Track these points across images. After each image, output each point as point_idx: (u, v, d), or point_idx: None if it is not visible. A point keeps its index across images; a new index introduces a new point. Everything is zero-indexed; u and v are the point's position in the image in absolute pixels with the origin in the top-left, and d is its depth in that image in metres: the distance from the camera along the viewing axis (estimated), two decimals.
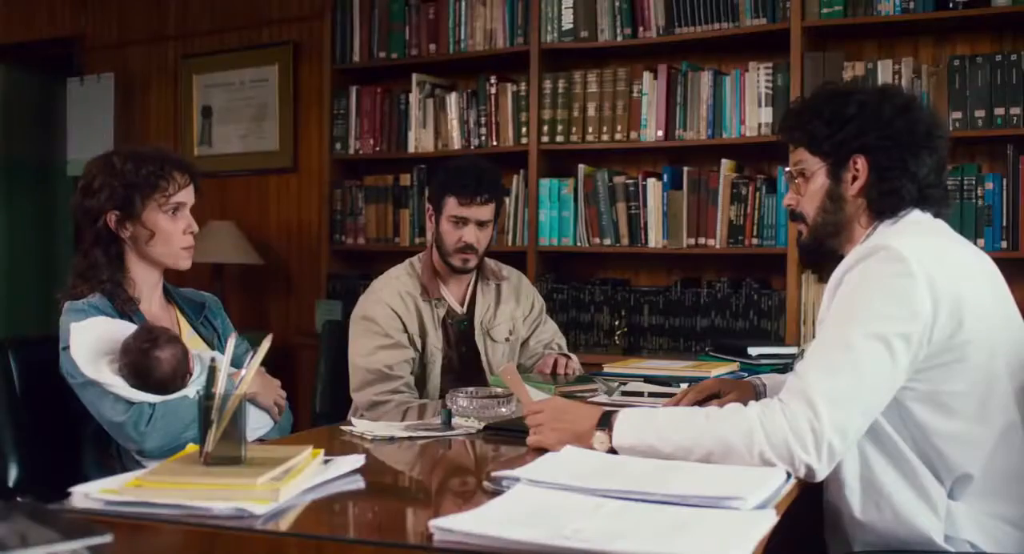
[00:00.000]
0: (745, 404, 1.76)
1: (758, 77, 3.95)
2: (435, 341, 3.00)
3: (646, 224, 4.17)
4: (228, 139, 5.35)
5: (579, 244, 4.30)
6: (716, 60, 4.20)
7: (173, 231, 2.34)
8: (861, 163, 1.93)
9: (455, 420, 2.12)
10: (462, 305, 3.07)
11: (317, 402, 3.22)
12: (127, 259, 2.35)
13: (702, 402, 2.20)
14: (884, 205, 1.93)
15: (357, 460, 1.67)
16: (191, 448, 1.66)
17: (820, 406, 1.66)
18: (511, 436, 2.01)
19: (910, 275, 1.75)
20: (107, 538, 1.07)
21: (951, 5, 3.63)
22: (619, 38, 4.20)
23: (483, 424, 2.08)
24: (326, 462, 1.66)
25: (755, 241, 3.98)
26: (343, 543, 1.31)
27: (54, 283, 6.05)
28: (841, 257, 1.99)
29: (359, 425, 2.08)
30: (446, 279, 3.05)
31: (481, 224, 2.93)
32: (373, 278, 4.60)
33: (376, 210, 4.78)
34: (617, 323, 4.21)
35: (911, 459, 1.82)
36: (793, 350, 3.06)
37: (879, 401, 1.75)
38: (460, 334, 3.06)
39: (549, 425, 1.87)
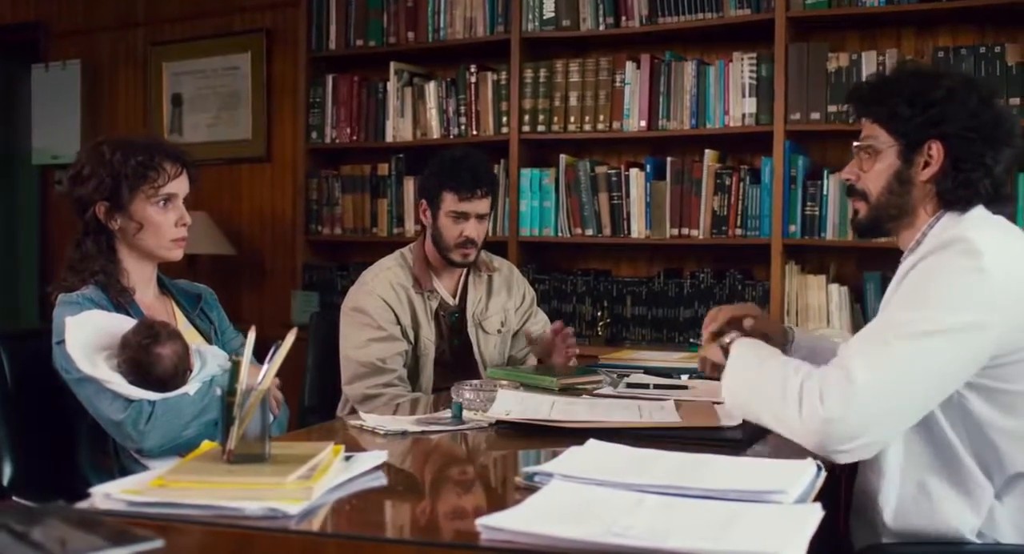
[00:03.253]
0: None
1: (742, 68, 3.94)
2: (428, 333, 2.96)
3: (629, 215, 4.15)
4: (199, 128, 5.25)
5: (560, 234, 4.27)
6: (700, 50, 4.18)
7: (163, 223, 2.28)
8: (936, 149, 1.87)
9: (465, 414, 2.08)
10: (454, 297, 3.04)
11: (305, 396, 3.16)
12: (118, 250, 2.28)
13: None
14: (957, 196, 1.87)
15: (379, 456, 1.63)
16: (207, 445, 1.61)
17: (856, 370, 1.65)
18: (523, 429, 1.97)
19: (985, 270, 1.71)
20: (157, 543, 1.02)
21: None
22: (601, 27, 4.17)
23: (495, 418, 2.04)
24: (347, 458, 1.62)
25: (739, 232, 3.97)
26: (388, 544, 1.27)
27: (18, 275, 5.94)
28: (894, 242, 1.97)
29: (369, 420, 2.03)
30: (439, 271, 3.02)
31: (480, 217, 2.92)
32: (351, 269, 4.61)
33: (353, 200, 4.72)
34: (600, 314, 4.20)
35: (960, 455, 1.78)
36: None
37: (927, 390, 1.71)
38: (452, 326, 3.02)
39: None
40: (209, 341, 2.35)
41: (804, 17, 3.83)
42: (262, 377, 1.53)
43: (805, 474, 1.53)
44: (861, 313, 3.81)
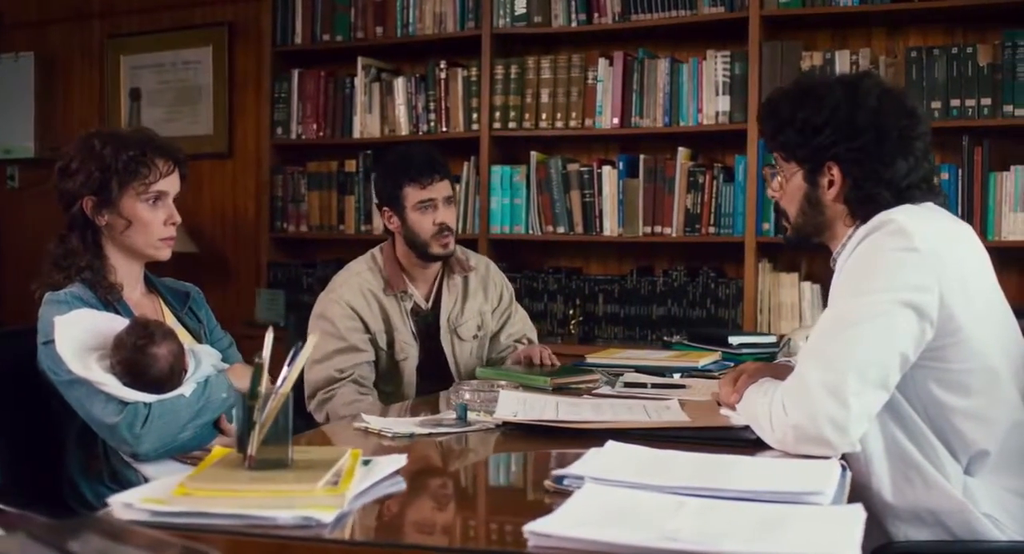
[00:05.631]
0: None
1: (715, 65, 3.94)
2: (406, 335, 2.90)
3: (601, 212, 4.14)
4: (158, 123, 5.11)
5: (532, 232, 4.25)
6: (673, 48, 4.18)
7: (151, 221, 2.21)
8: (836, 171, 1.93)
9: (470, 415, 2.04)
10: (427, 301, 2.98)
11: None
12: (104, 247, 2.21)
13: None
14: (864, 211, 1.92)
15: (398, 460, 1.59)
16: (220, 451, 1.55)
17: (810, 373, 1.72)
18: (530, 431, 1.94)
19: (916, 249, 1.77)
20: None
21: None
22: (573, 24, 4.15)
23: (502, 419, 2.00)
24: (366, 463, 1.57)
25: (712, 230, 3.98)
26: (432, 551, 1.23)
27: None
28: (827, 249, 2.02)
29: (373, 422, 1.99)
30: (412, 275, 2.96)
31: (447, 201, 2.89)
32: (317, 266, 4.55)
33: (319, 197, 4.65)
34: (571, 312, 4.18)
35: (928, 437, 1.84)
36: (772, 338, 3.07)
37: (880, 372, 1.73)
38: (425, 330, 2.96)
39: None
40: (199, 340, 2.30)
41: (777, 16, 3.85)
42: (282, 380, 1.48)
43: (832, 474, 1.52)
44: None
